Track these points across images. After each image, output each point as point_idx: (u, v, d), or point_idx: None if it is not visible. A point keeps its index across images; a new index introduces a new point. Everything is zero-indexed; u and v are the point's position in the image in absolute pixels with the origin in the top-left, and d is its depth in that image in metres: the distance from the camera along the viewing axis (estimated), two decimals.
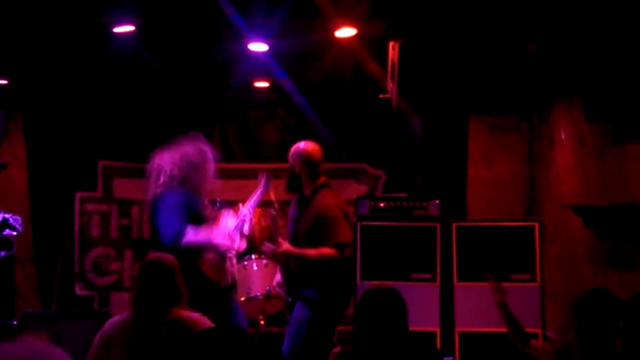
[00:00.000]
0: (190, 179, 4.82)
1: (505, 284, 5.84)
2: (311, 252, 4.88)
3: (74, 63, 6.52)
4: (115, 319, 3.80)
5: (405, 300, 3.39)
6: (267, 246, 5.01)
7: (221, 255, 4.81)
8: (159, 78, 6.93)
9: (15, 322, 5.85)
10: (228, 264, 4.92)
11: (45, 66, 6.57)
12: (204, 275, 4.71)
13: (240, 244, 5.02)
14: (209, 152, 4.97)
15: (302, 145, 5.17)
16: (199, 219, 4.76)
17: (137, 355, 3.63)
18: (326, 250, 4.86)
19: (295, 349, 4.83)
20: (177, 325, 3.64)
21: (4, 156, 7.35)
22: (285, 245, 4.90)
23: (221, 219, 5.04)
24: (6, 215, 6.75)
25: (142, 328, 3.69)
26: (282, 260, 5.14)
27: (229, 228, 4.95)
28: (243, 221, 5.02)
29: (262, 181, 5.47)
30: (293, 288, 5.05)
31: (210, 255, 4.76)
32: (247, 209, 5.12)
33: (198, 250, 4.68)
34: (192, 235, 4.62)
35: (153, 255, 3.98)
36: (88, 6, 5.22)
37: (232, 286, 5.01)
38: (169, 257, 3.86)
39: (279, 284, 5.32)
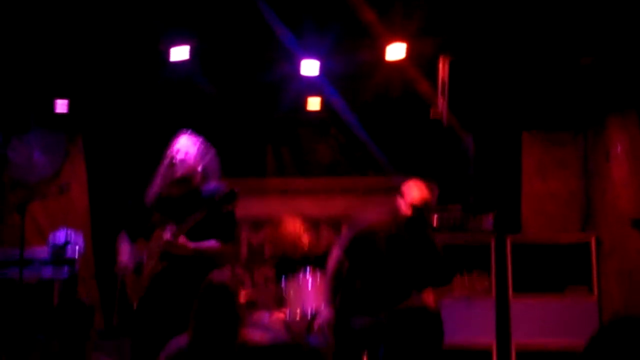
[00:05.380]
0: None
1: (562, 298, 5.91)
2: None
3: (132, 86, 6.70)
4: (180, 341, 3.78)
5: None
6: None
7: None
8: (213, 99, 7.06)
9: None
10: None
11: (105, 90, 6.76)
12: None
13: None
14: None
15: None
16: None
17: None
18: None
19: None
20: (246, 347, 3.70)
21: (65, 177, 7.57)
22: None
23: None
24: (69, 231, 6.97)
25: (214, 352, 3.69)
26: None
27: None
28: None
29: None
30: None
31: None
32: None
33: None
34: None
35: (216, 277, 3.90)
36: (145, 31, 5.38)
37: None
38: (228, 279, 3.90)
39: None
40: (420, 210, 4.71)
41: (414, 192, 4.75)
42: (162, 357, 3.78)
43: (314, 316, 5.53)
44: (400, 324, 4.59)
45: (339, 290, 4.94)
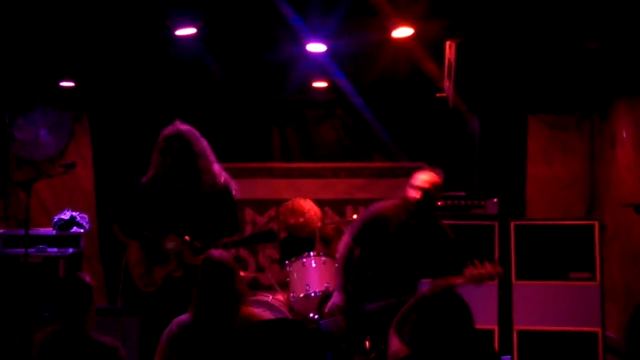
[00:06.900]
0: None
1: (565, 283, 5.91)
2: None
3: (138, 65, 6.68)
4: (182, 319, 3.84)
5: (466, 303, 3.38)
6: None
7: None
8: (219, 79, 7.05)
9: None
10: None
11: (110, 69, 6.75)
12: None
13: None
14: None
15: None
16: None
17: (210, 356, 3.69)
18: None
19: None
20: (249, 321, 3.74)
21: (71, 156, 7.58)
22: None
23: None
24: (74, 214, 6.99)
25: (217, 329, 3.74)
26: None
27: None
28: None
29: None
30: None
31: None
32: None
33: None
34: None
35: (214, 255, 3.94)
36: (152, 10, 5.36)
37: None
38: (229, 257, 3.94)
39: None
40: (430, 194, 4.72)
41: (424, 176, 4.77)
42: (164, 336, 3.82)
43: (324, 300, 5.50)
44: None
45: (350, 277, 4.94)
